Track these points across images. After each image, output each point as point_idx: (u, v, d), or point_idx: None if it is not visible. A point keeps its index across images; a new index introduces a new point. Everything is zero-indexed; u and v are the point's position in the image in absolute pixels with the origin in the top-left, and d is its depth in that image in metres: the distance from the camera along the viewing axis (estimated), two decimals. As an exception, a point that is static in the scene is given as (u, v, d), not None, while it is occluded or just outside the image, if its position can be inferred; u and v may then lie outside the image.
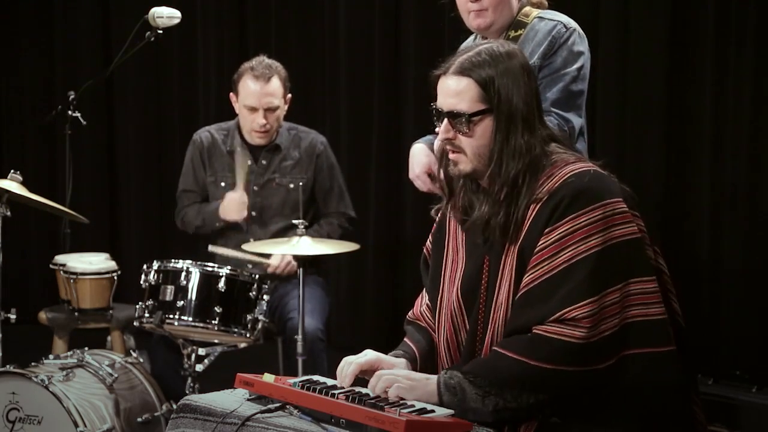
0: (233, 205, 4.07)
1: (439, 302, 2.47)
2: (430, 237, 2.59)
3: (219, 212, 4.12)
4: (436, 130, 2.40)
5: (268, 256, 4.03)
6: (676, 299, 2.38)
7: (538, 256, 2.23)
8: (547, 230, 2.23)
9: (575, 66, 3.01)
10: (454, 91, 2.32)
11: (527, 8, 3.09)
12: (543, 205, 2.26)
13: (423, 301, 2.59)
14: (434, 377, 2.27)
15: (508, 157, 2.29)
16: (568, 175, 2.28)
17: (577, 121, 3.01)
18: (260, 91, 4.10)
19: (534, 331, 2.21)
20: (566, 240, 2.21)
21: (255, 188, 4.18)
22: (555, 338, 2.18)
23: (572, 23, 3.07)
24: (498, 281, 2.32)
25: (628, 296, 2.23)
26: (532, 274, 2.23)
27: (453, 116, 2.32)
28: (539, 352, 2.18)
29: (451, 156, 2.36)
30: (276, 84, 4.13)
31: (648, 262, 2.29)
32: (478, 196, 2.39)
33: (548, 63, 3.00)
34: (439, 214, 2.56)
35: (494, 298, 2.32)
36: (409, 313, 2.61)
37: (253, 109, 4.11)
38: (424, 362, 2.48)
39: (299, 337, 3.67)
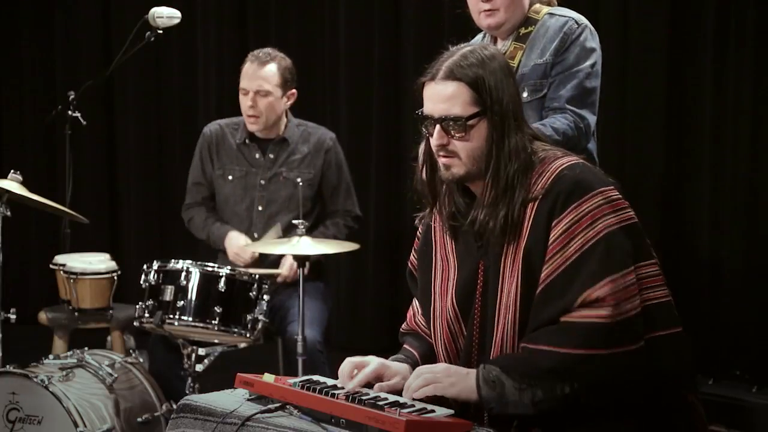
0: (240, 253, 4.01)
1: (432, 313, 2.46)
2: (413, 250, 2.57)
3: (225, 243, 4.07)
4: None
5: (276, 266, 4.02)
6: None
7: (549, 250, 2.23)
8: (553, 224, 2.24)
9: (588, 63, 3.02)
10: (445, 96, 2.30)
11: (537, 5, 3.10)
12: (540, 202, 2.27)
13: (415, 312, 2.57)
14: (473, 371, 2.25)
15: (504, 157, 2.29)
16: (560, 168, 2.29)
17: (592, 118, 3.02)
18: (252, 74, 4.05)
19: (561, 320, 2.20)
20: (573, 229, 2.22)
21: (262, 182, 4.15)
22: (581, 322, 2.17)
23: (583, 20, 3.08)
24: (499, 283, 2.31)
25: (638, 279, 2.25)
26: (547, 269, 2.23)
27: (447, 121, 2.30)
28: (569, 340, 2.17)
29: (443, 161, 2.34)
30: (271, 69, 4.06)
31: (648, 246, 2.31)
32: (466, 200, 2.38)
33: (561, 60, 3.00)
34: (420, 227, 2.54)
35: (497, 301, 2.31)
36: (403, 325, 2.60)
37: (245, 92, 4.07)
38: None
39: (299, 336, 3.67)
